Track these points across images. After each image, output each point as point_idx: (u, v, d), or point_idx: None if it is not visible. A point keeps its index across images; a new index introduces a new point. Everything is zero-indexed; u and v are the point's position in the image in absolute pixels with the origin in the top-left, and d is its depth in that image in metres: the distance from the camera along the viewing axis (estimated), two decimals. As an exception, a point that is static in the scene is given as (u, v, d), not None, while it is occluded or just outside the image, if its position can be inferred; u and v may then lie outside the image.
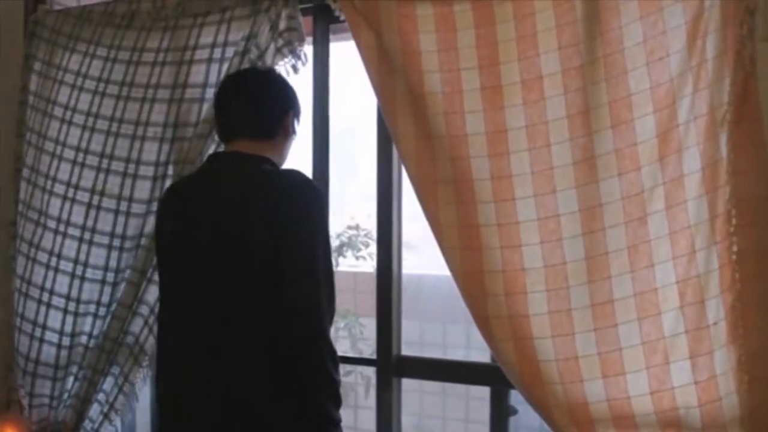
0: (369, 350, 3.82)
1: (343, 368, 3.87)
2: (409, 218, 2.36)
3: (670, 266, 1.79)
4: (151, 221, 2.45)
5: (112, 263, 2.53)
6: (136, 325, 2.46)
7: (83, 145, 2.57)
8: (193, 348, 1.91)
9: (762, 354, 1.72)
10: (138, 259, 2.47)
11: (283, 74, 2.21)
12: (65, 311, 2.60)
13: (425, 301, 4.35)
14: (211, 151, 2.32)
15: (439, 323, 4.45)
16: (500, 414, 2.26)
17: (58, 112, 2.64)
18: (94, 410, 2.55)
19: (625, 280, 1.82)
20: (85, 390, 2.56)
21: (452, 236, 1.96)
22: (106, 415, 2.54)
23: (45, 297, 2.62)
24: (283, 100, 2.02)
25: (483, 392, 2.35)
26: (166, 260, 2.04)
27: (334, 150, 2.48)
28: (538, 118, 1.88)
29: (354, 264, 4.45)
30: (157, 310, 2.42)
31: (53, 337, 2.62)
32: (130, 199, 2.49)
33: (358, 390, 4.30)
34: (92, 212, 2.54)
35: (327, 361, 1.79)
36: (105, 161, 2.53)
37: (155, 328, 2.43)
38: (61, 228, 2.60)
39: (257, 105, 1.97)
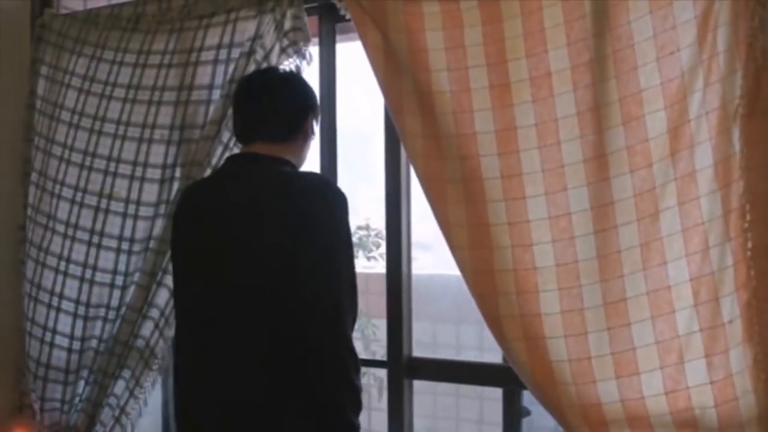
0: (382, 351, 3.81)
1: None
2: (422, 218, 2.33)
3: (684, 263, 1.77)
4: (160, 224, 2.45)
5: (121, 266, 2.53)
6: (147, 328, 2.46)
7: (91, 148, 2.58)
8: (211, 351, 1.89)
9: (779, 352, 1.70)
10: (147, 262, 2.47)
11: None
12: (75, 315, 2.60)
13: (438, 301, 4.34)
14: (218, 153, 2.32)
15: (452, 324, 4.44)
16: (513, 415, 2.24)
17: (65, 116, 2.65)
18: (106, 414, 2.55)
19: (637, 278, 1.80)
20: (96, 394, 2.56)
21: (462, 235, 1.95)
22: (117, 419, 2.55)
23: (55, 301, 2.63)
24: (303, 102, 2.00)
25: (497, 393, 2.33)
26: (182, 262, 2.01)
27: (345, 150, 2.47)
28: (548, 116, 1.87)
29: (366, 265, 4.46)
30: (167, 313, 2.42)
31: (63, 342, 2.62)
32: (138, 202, 2.49)
33: (371, 392, 4.30)
34: (100, 216, 2.55)
35: (349, 367, 1.79)
36: (112, 164, 2.53)
37: (165, 331, 2.44)
38: (70, 232, 2.61)
39: (277, 107, 1.95)
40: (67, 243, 2.62)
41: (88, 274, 2.58)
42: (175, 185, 2.44)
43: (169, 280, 2.41)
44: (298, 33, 2.24)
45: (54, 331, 2.63)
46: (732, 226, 1.73)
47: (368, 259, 4.49)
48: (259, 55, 2.28)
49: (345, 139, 2.49)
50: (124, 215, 2.52)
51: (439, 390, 4.32)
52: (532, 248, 1.87)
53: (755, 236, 1.70)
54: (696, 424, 1.79)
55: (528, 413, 2.24)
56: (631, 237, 1.80)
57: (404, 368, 2.34)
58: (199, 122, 2.39)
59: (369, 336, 4.22)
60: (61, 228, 2.63)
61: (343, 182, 2.51)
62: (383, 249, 2.43)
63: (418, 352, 2.40)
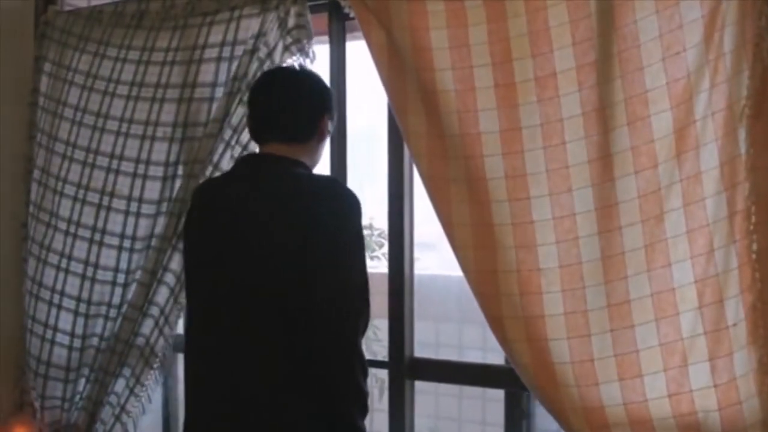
0: (384, 352, 3.80)
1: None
2: (426, 218, 2.32)
3: (688, 265, 1.76)
4: (162, 221, 2.45)
5: (123, 264, 2.53)
6: (147, 326, 2.45)
7: (93, 146, 2.57)
8: (220, 351, 1.88)
9: (784, 355, 1.68)
10: (148, 260, 2.47)
11: None
12: (76, 313, 2.60)
13: (440, 301, 4.33)
14: (220, 150, 2.32)
15: (455, 324, 4.42)
16: (515, 417, 2.23)
17: (68, 113, 2.65)
18: (106, 412, 2.55)
19: (642, 279, 1.79)
20: (96, 392, 2.57)
21: (465, 235, 1.94)
22: (117, 418, 2.54)
23: (56, 299, 2.63)
24: (319, 103, 1.96)
25: (500, 394, 2.33)
26: (194, 261, 2.00)
27: (349, 149, 2.45)
28: (553, 116, 1.86)
29: (369, 265, 4.44)
30: (167, 311, 2.42)
31: (64, 339, 2.62)
32: (141, 200, 2.49)
33: (372, 392, 4.29)
34: (102, 213, 2.55)
35: (357, 371, 1.78)
36: (115, 162, 2.53)
37: (165, 330, 2.43)
38: (72, 229, 2.60)
39: (292, 108, 1.92)
40: (69, 240, 2.61)
41: (89, 271, 2.58)
42: (178, 183, 2.44)
43: (169, 277, 2.41)
44: (302, 31, 2.22)
45: (55, 329, 2.63)
46: (737, 228, 1.72)
47: (371, 258, 4.48)
48: (263, 52, 2.27)
49: (349, 137, 2.47)
50: (127, 213, 2.52)
51: (441, 390, 4.31)
52: (536, 249, 1.86)
53: (760, 238, 1.69)
54: (699, 427, 1.78)
55: (530, 414, 2.23)
56: (635, 238, 1.79)
57: (406, 369, 2.33)
58: (202, 120, 2.38)
59: (370, 336, 4.20)
60: (63, 225, 2.63)
61: (353, 182, 2.49)
62: (387, 249, 2.41)
63: (420, 352, 2.39)
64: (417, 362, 2.35)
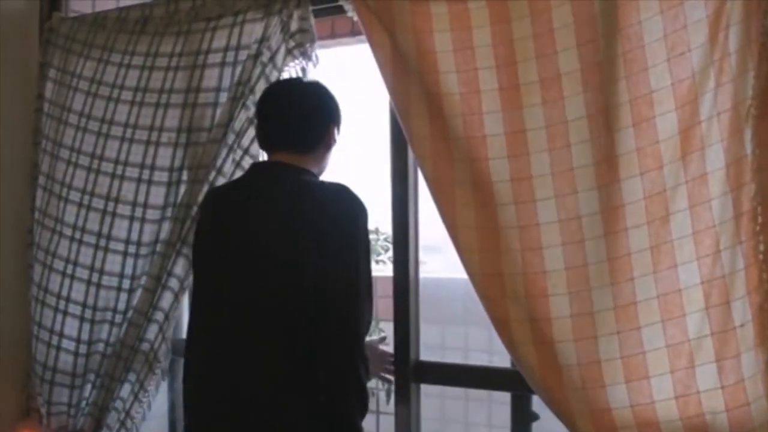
0: (390, 355, 3.80)
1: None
2: (432, 221, 2.32)
3: (695, 266, 1.75)
4: (166, 227, 2.45)
5: (128, 270, 2.53)
6: (151, 332, 2.45)
7: (98, 151, 2.57)
8: (223, 353, 1.93)
9: (792, 357, 1.67)
10: (153, 265, 2.46)
11: (293, 75, 2.23)
12: (82, 319, 2.60)
13: (446, 304, 4.32)
14: (223, 155, 2.32)
15: (461, 327, 4.41)
16: (521, 420, 2.22)
17: (73, 119, 2.64)
18: (112, 418, 2.54)
19: (648, 281, 1.78)
20: (102, 398, 2.56)
21: (470, 238, 1.93)
22: (122, 423, 2.53)
23: (61, 305, 2.62)
24: (326, 115, 2.03)
25: (506, 397, 2.32)
26: (204, 266, 2.04)
27: (354, 152, 2.45)
28: (558, 118, 1.85)
29: (374, 268, 4.43)
30: (170, 316, 2.42)
31: (70, 345, 2.62)
32: (145, 205, 2.48)
33: (379, 395, 4.28)
34: (107, 219, 2.54)
35: (361, 372, 1.85)
36: (120, 167, 2.53)
37: (168, 334, 2.43)
38: (77, 235, 2.60)
39: (299, 120, 1.99)
40: (74, 246, 2.61)
41: (95, 277, 2.58)
42: (182, 188, 2.43)
43: (173, 283, 2.40)
44: (305, 35, 2.22)
45: (61, 335, 2.62)
46: (743, 229, 1.70)
47: (377, 262, 4.47)
48: (266, 57, 2.27)
49: (353, 141, 2.47)
50: (131, 218, 2.51)
51: (447, 393, 4.30)
52: (542, 251, 1.85)
53: (767, 239, 1.67)
54: (707, 429, 1.77)
55: (537, 417, 2.22)
56: (641, 240, 1.78)
57: (411, 372, 2.32)
58: (206, 125, 2.38)
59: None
60: (68, 231, 2.62)
61: (353, 185, 2.48)
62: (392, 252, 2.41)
63: (426, 355, 2.38)
64: (422, 365, 2.34)
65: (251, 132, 2.30)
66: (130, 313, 2.53)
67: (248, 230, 1.93)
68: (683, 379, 1.77)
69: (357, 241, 1.90)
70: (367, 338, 1.97)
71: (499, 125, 1.89)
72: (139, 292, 2.51)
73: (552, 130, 1.85)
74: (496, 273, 1.90)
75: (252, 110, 2.27)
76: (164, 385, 2.83)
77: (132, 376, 2.49)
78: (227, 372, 1.91)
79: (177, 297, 2.42)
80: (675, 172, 1.75)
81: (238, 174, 2.31)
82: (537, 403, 2.12)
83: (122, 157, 2.52)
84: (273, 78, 2.28)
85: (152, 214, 2.48)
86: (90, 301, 2.58)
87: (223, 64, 2.34)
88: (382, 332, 4.09)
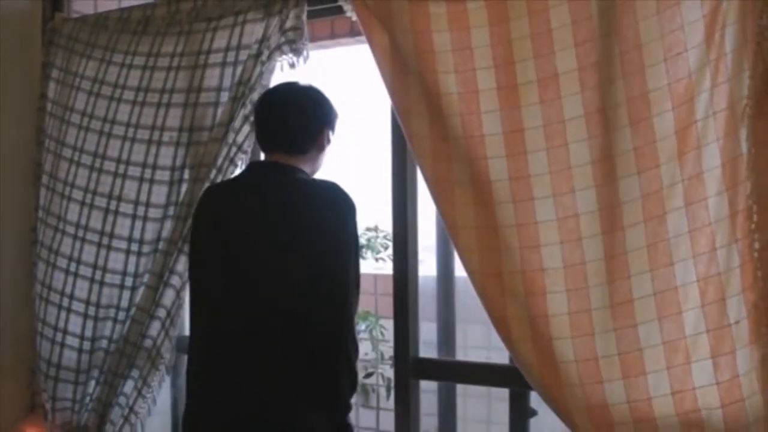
0: (390, 352, 3.78)
1: (364, 369, 3.84)
2: (430, 220, 2.35)
3: (691, 264, 1.75)
4: (168, 225, 2.45)
5: (131, 268, 2.53)
6: (154, 328, 2.44)
7: (100, 150, 2.57)
8: (226, 343, 1.98)
9: (787, 353, 1.67)
10: (156, 263, 2.46)
11: (278, 70, 2.27)
12: (85, 316, 2.60)
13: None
14: (224, 154, 2.32)
15: (460, 324, 4.40)
16: (519, 416, 2.22)
17: (75, 118, 2.64)
18: (115, 413, 2.54)
19: (644, 279, 1.77)
20: (106, 394, 2.56)
21: (469, 237, 1.93)
22: (126, 418, 2.53)
23: (65, 302, 2.62)
24: (319, 119, 2.10)
25: (504, 393, 2.32)
26: (202, 263, 2.08)
27: (355, 151, 2.45)
28: (555, 117, 1.84)
29: (374, 266, 4.42)
30: (173, 312, 2.42)
31: (74, 342, 2.62)
32: (147, 204, 2.48)
33: (379, 391, 4.28)
34: (110, 217, 2.54)
35: (351, 352, 1.94)
36: (122, 166, 2.53)
37: (171, 331, 2.44)
38: (80, 233, 2.60)
39: (293, 124, 2.06)
40: (78, 244, 2.61)
41: (98, 275, 2.57)
42: (184, 187, 2.43)
43: (175, 280, 2.40)
44: (297, 31, 2.23)
45: (65, 332, 2.62)
46: (739, 227, 1.70)
47: (377, 260, 4.46)
48: (265, 56, 2.27)
49: (353, 141, 2.47)
50: (134, 217, 2.51)
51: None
52: (540, 249, 1.85)
53: (762, 237, 1.67)
54: (702, 424, 1.77)
55: (534, 413, 2.22)
56: (638, 238, 1.78)
57: (410, 368, 2.32)
58: (208, 124, 2.37)
59: (377, 337, 4.18)
60: (71, 229, 2.62)
61: (354, 184, 2.49)
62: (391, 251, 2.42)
63: (425, 352, 2.38)
64: (421, 362, 2.34)
65: (246, 129, 2.31)
66: (132, 310, 2.53)
67: (246, 226, 1.99)
68: (679, 375, 1.77)
69: (349, 235, 1.98)
70: None
71: (497, 124, 1.89)
72: (141, 290, 2.52)
73: (550, 129, 1.85)
74: (495, 271, 1.89)
75: (249, 108, 2.28)
76: (167, 381, 2.83)
77: (135, 373, 2.49)
78: (230, 369, 1.96)
79: (179, 294, 2.42)
80: (671, 171, 1.75)
81: (231, 170, 2.33)
82: (535, 399, 2.12)
83: (124, 156, 2.52)
84: (268, 74, 2.29)
85: (154, 212, 2.48)
86: (93, 298, 2.58)
87: (224, 64, 2.34)
88: (382, 329, 4.10)
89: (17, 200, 2.78)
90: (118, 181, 2.54)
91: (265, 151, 2.12)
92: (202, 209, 2.13)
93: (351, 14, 2.12)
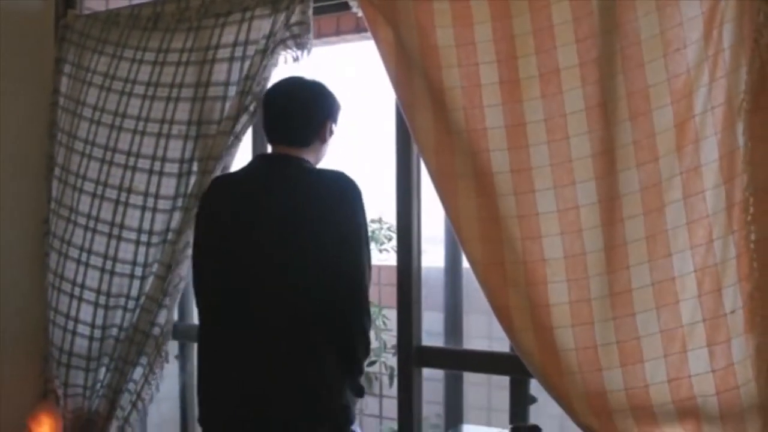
0: (393, 342, 3.77)
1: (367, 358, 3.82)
2: (436, 213, 2.34)
3: (688, 255, 1.74)
4: (177, 216, 2.45)
5: (140, 258, 2.52)
6: (162, 317, 2.45)
7: (111, 144, 2.56)
8: (243, 324, 1.99)
9: (781, 342, 1.67)
10: (165, 253, 2.46)
11: (281, 63, 2.28)
12: (96, 304, 2.60)
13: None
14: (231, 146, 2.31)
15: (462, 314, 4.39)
16: (520, 402, 2.22)
17: (87, 112, 2.64)
18: (125, 399, 2.54)
19: (643, 269, 1.77)
20: (116, 380, 2.56)
21: (472, 228, 1.92)
22: (134, 404, 2.54)
23: (77, 291, 2.62)
24: (322, 112, 2.12)
25: (505, 381, 2.31)
26: (210, 249, 2.09)
27: (360, 145, 2.45)
28: (557, 111, 1.84)
29: (378, 257, 4.41)
30: (178, 301, 2.42)
31: (85, 330, 2.62)
32: (157, 196, 2.48)
33: (382, 379, 4.28)
34: (120, 209, 2.54)
35: (365, 322, 2.01)
36: (132, 159, 2.52)
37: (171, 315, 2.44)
38: (91, 224, 2.60)
39: (298, 118, 2.10)
40: (89, 235, 2.60)
41: (108, 265, 2.57)
42: (192, 179, 2.43)
43: (182, 269, 2.40)
44: (302, 26, 2.22)
45: (76, 320, 2.62)
46: (735, 219, 1.70)
47: (380, 251, 4.46)
48: (271, 50, 2.26)
49: (358, 134, 2.46)
50: (143, 208, 2.51)
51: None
52: (541, 240, 1.85)
53: (758, 229, 1.67)
54: (698, 412, 1.77)
55: (534, 400, 2.22)
56: (637, 230, 1.77)
57: (413, 357, 2.32)
58: (216, 118, 2.37)
59: (380, 326, 4.18)
60: (82, 221, 2.62)
61: (358, 176, 2.50)
62: (395, 242, 2.42)
63: (428, 341, 2.38)
64: (424, 350, 2.33)
65: (243, 119, 2.30)
66: (142, 300, 2.53)
67: (256, 216, 2.01)
68: (676, 363, 1.77)
69: (356, 217, 2.01)
70: None
71: (499, 118, 1.88)
72: (150, 279, 2.51)
73: (551, 123, 1.84)
74: (498, 261, 1.89)
75: (248, 99, 2.29)
76: (176, 368, 2.83)
77: (144, 360, 2.49)
78: (245, 354, 1.98)
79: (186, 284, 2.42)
80: (670, 164, 1.74)
81: (226, 158, 2.33)
82: (535, 387, 2.12)
83: (134, 149, 2.52)
84: (270, 67, 2.29)
85: (163, 204, 2.48)
86: (104, 287, 2.58)
87: (231, 59, 2.33)
88: (385, 318, 4.09)
89: (31, 192, 2.77)
90: (129, 174, 2.53)
91: (271, 143, 2.14)
92: (210, 200, 2.13)
93: (357, 10, 2.11)
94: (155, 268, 2.50)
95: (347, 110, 2.21)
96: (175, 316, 2.61)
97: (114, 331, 2.57)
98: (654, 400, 1.79)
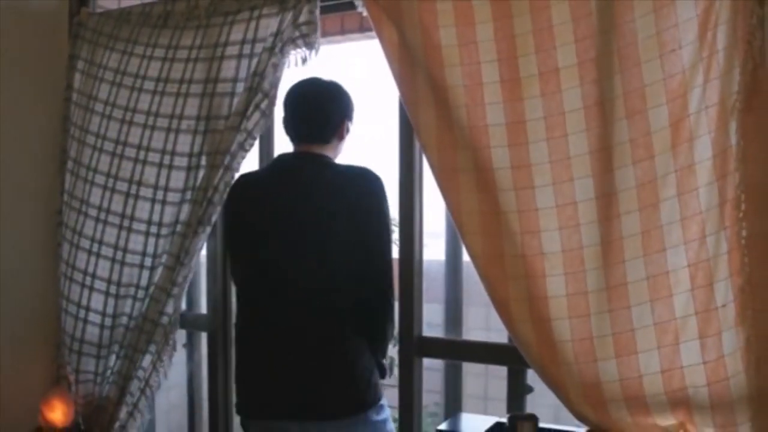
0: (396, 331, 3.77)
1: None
2: (437, 208, 2.36)
3: (682, 250, 1.75)
4: (186, 209, 2.44)
5: (150, 249, 2.52)
6: (170, 306, 2.45)
7: (122, 137, 2.56)
8: (285, 306, 2.10)
9: (770, 335, 1.67)
10: (173, 244, 2.46)
11: (292, 65, 2.29)
12: (107, 294, 2.60)
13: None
14: (239, 141, 2.31)
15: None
16: (517, 392, 2.23)
17: (98, 107, 2.63)
18: (134, 386, 2.55)
19: (638, 263, 1.78)
20: (126, 367, 2.56)
21: (473, 223, 1.93)
22: (142, 391, 2.54)
23: (88, 281, 2.62)
24: (340, 112, 2.20)
25: (502, 371, 2.32)
26: (247, 239, 2.19)
27: (363, 142, 2.47)
28: (556, 109, 1.84)
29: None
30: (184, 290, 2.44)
31: (96, 318, 2.62)
32: (166, 188, 2.48)
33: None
34: (131, 201, 2.53)
35: (392, 309, 2.14)
36: (142, 153, 2.51)
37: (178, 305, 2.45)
38: (102, 216, 2.59)
39: (318, 118, 2.18)
40: (100, 226, 2.60)
41: (119, 255, 2.57)
42: (201, 172, 2.42)
43: (190, 260, 2.40)
44: (310, 26, 2.22)
45: (87, 309, 2.62)
46: (727, 216, 1.70)
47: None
48: (279, 49, 2.25)
49: (363, 132, 2.47)
50: (153, 200, 2.50)
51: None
52: (540, 234, 1.85)
53: (749, 225, 1.68)
54: (689, 402, 1.78)
55: (531, 390, 2.23)
56: (633, 225, 1.77)
57: (415, 347, 2.32)
58: (224, 113, 2.36)
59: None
60: (93, 212, 2.62)
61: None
62: (398, 236, 2.43)
63: (429, 332, 2.39)
64: (425, 341, 2.34)
65: (256, 116, 2.30)
66: (151, 289, 2.53)
67: (291, 208, 2.10)
68: (669, 354, 1.78)
69: (382, 209, 2.10)
70: None
71: (500, 115, 1.88)
72: (160, 270, 2.51)
73: (550, 121, 1.84)
74: (498, 255, 1.89)
75: (259, 96, 2.28)
76: (183, 356, 2.84)
77: (153, 348, 2.50)
78: (282, 343, 2.08)
79: (195, 274, 2.42)
80: (665, 162, 1.74)
81: (242, 155, 2.34)
82: (531, 376, 2.12)
83: (144, 143, 2.51)
84: (281, 67, 2.28)
85: (172, 196, 2.47)
86: (114, 277, 2.58)
87: (239, 56, 2.33)
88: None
89: (44, 185, 2.77)
90: (139, 167, 2.53)
91: (293, 141, 2.21)
92: (237, 198, 2.23)
93: (362, 10, 2.11)
94: (164, 258, 2.49)
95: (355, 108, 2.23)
96: (183, 306, 2.62)
97: (124, 319, 2.58)
98: (647, 390, 1.80)
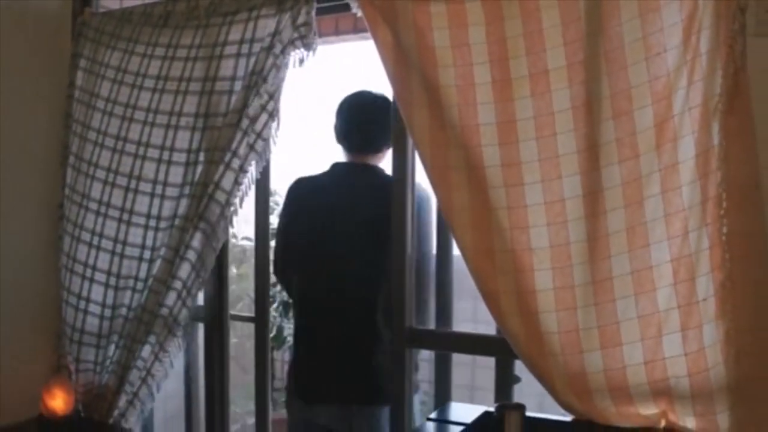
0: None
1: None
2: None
3: (665, 246, 1.75)
4: (184, 203, 2.43)
5: (149, 242, 2.51)
6: (170, 298, 2.43)
7: (122, 134, 2.54)
8: (325, 299, 2.43)
9: (748, 329, 1.68)
10: (172, 238, 2.45)
11: (290, 66, 2.29)
12: (106, 285, 2.58)
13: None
14: (238, 139, 2.31)
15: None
16: (504, 382, 2.23)
17: (100, 104, 2.62)
18: (134, 375, 2.53)
19: (623, 258, 1.78)
20: (125, 357, 2.55)
21: (464, 218, 1.93)
22: (143, 380, 2.53)
23: (88, 273, 2.61)
24: (389, 123, 2.26)
25: (488, 361, 2.32)
26: (303, 240, 2.46)
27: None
28: (545, 110, 1.84)
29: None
30: (189, 284, 2.43)
31: (96, 309, 2.60)
32: (165, 183, 2.46)
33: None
34: (130, 195, 2.52)
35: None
36: (142, 148, 2.50)
37: (188, 302, 2.44)
38: (102, 210, 2.58)
39: (373, 130, 2.37)
40: (100, 220, 2.59)
41: (118, 248, 2.56)
42: (199, 168, 2.41)
43: (191, 254, 2.39)
44: (308, 27, 2.21)
45: (88, 300, 2.61)
46: (709, 213, 1.71)
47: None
48: (277, 49, 2.25)
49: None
50: (152, 195, 2.49)
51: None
52: (529, 230, 1.85)
53: (730, 222, 1.68)
54: (671, 392, 1.78)
55: (518, 380, 2.23)
56: (618, 221, 1.78)
57: (405, 338, 2.32)
58: (222, 111, 2.35)
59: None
60: (94, 206, 2.61)
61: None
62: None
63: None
64: (416, 332, 2.34)
65: (264, 118, 2.29)
66: (150, 281, 2.52)
67: (344, 215, 2.32)
68: (652, 346, 1.78)
69: (428, 219, 2.33)
70: None
71: (491, 115, 1.88)
72: (158, 262, 2.50)
73: (540, 121, 1.84)
74: (488, 249, 1.89)
75: (264, 98, 2.27)
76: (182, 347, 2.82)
77: (152, 339, 2.48)
78: (327, 337, 2.42)
79: (194, 267, 2.41)
80: (650, 161, 1.75)
81: (253, 156, 2.32)
82: (519, 367, 2.13)
83: (144, 139, 2.50)
84: (283, 68, 2.27)
85: (171, 191, 2.46)
86: (114, 269, 2.56)
87: (238, 56, 2.32)
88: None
89: (46, 179, 2.76)
90: (138, 162, 2.51)
91: (346, 150, 2.42)
92: (296, 198, 2.47)
93: (357, 11, 2.10)
94: (163, 251, 2.49)
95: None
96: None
97: (123, 310, 2.57)
98: (631, 380, 1.80)
